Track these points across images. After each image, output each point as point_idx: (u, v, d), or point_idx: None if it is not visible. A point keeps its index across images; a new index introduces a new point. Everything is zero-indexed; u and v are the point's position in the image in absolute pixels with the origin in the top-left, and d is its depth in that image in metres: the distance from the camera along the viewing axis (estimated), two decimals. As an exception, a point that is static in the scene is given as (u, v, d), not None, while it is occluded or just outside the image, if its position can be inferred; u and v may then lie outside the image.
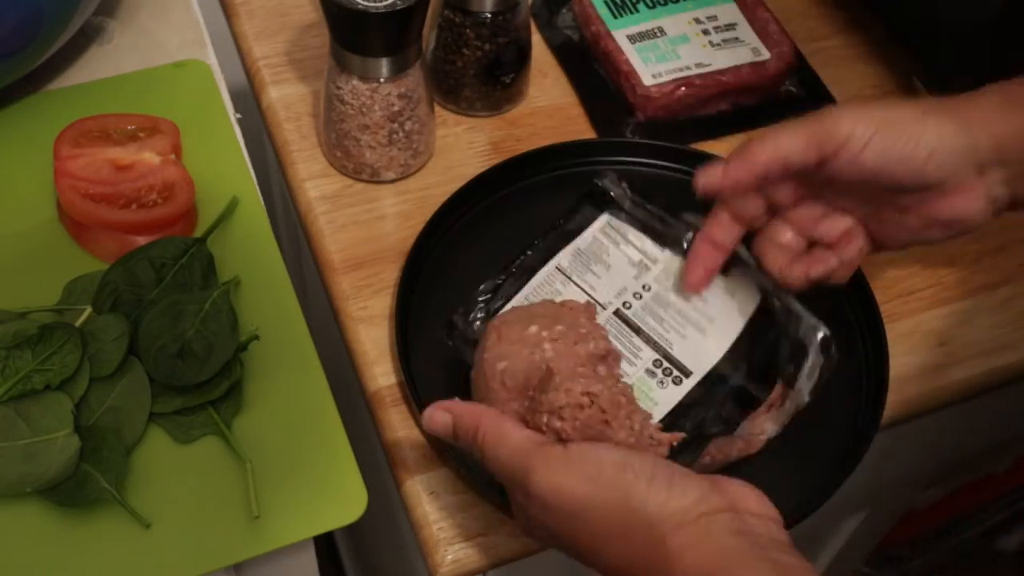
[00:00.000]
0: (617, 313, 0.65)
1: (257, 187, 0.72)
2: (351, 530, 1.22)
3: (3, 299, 0.64)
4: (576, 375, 0.50)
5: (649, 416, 0.51)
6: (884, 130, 0.55)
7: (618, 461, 0.45)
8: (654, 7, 0.80)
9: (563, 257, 0.67)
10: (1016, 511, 1.35)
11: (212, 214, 0.69)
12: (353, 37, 0.66)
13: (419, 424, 0.62)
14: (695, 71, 0.77)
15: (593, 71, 0.80)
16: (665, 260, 0.67)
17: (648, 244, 0.67)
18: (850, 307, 0.68)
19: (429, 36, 0.74)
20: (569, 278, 0.66)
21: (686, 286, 0.64)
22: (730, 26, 0.80)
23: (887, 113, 0.56)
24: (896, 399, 0.66)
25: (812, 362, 0.60)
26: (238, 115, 0.76)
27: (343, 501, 0.59)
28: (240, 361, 0.62)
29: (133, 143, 0.70)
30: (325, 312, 0.73)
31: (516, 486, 0.48)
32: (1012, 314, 0.71)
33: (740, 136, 0.78)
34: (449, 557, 0.59)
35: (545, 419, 0.49)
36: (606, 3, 0.80)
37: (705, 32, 0.80)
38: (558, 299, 0.62)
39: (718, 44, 0.79)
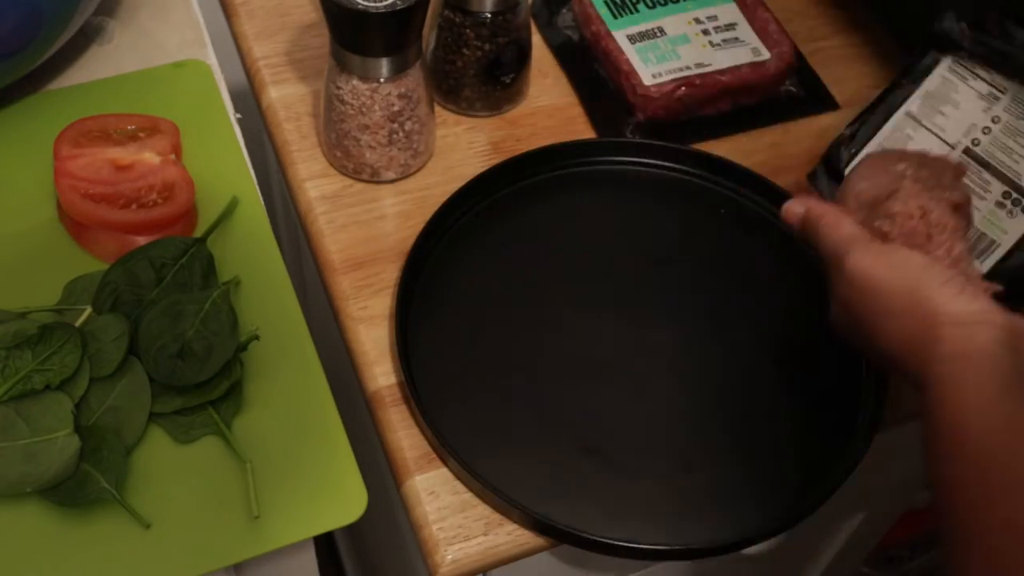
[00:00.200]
0: (967, 151, 0.67)
1: (257, 187, 0.72)
2: (351, 530, 1.22)
3: (3, 299, 0.64)
4: (921, 195, 0.58)
5: (971, 257, 0.58)
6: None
7: (924, 262, 0.53)
8: (654, 7, 0.80)
9: (912, 103, 0.70)
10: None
11: (212, 214, 0.69)
12: (353, 37, 0.66)
13: (419, 424, 0.63)
14: (695, 71, 0.77)
15: (593, 71, 0.80)
16: (1014, 88, 0.68)
17: (995, 76, 0.68)
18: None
19: (429, 36, 0.74)
20: (919, 122, 0.69)
21: None
22: (730, 26, 0.80)
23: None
24: (896, 399, 0.66)
25: None
26: (238, 115, 0.76)
27: (343, 501, 0.59)
28: (240, 361, 0.62)
29: (133, 143, 0.70)
30: (325, 312, 0.73)
31: (835, 266, 0.56)
32: (1012, 314, 0.71)
33: (740, 136, 0.78)
34: (449, 557, 0.59)
35: (877, 222, 0.58)
36: (606, 3, 0.80)
37: (705, 32, 0.80)
38: (909, 144, 0.69)
39: (718, 44, 0.79)
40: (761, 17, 0.81)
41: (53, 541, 0.57)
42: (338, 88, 0.69)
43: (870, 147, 0.71)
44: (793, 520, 0.60)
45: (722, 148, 0.77)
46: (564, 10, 0.83)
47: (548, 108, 0.79)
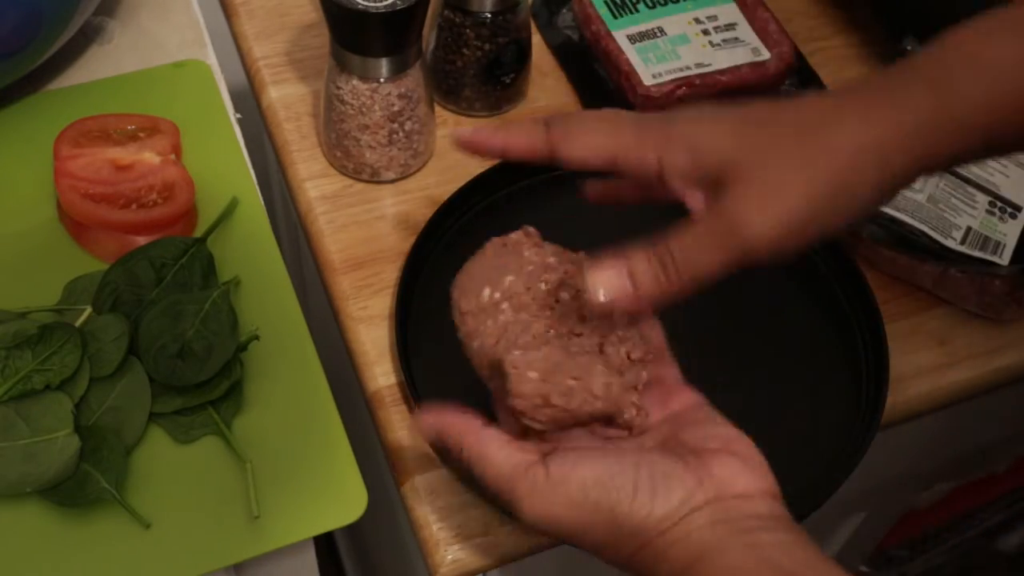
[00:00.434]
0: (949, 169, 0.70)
1: (257, 187, 0.72)
2: (351, 530, 1.22)
3: (3, 299, 0.64)
4: (530, 365, 0.48)
5: (602, 355, 0.50)
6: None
7: (600, 480, 0.46)
8: (654, 7, 0.80)
9: None
10: (1016, 511, 1.35)
11: (212, 214, 0.69)
12: (353, 37, 0.66)
13: (419, 424, 0.63)
14: (695, 71, 0.77)
15: (593, 71, 0.80)
16: None
17: None
18: (850, 307, 0.68)
19: (429, 36, 0.74)
20: None
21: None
22: (730, 26, 0.80)
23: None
24: (896, 399, 0.66)
25: None
26: (238, 115, 0.76)
27: (343, 501, 0.59)
28: (240, 361, 0.62)
29: (133, 143, 0.70)
30: (325, 312, 0.73)
31: (505, 505, 0.48)
32: (1012, 314, 0.71)
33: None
34: (449, 557, 0.59)
35: (515, 419, 0.49)
36: (606, 3, 0.80)
37: (705, 32, 0.80)
38: None
39: (718, 44, 0.79)
40: (761, 17, 0.81)
41: (53, 541, 0.57)
42: (338, 88, 0.69)
43: None
44: (793, 520, 0.60)
45: (722, 148, 0.77)
46: (564, 10, 0.83)
47: (548, 108, 0.79)
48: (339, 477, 0.60)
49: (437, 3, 0.72)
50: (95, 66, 0.77)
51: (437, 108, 0.77)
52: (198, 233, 0.68)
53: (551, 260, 0.53)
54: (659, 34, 0.79)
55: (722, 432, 0.48)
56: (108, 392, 0.60)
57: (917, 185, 0.69)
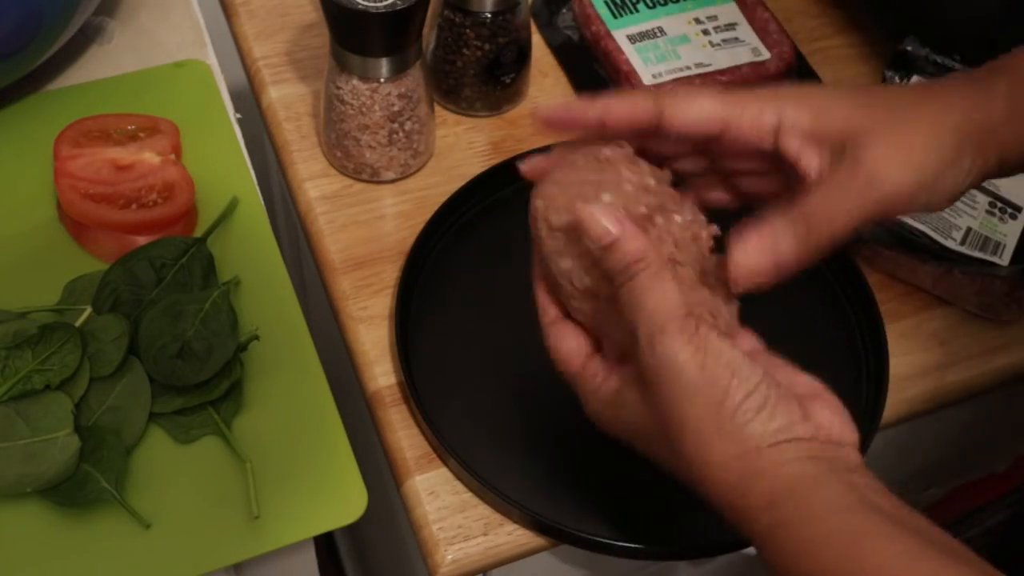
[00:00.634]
0: None
1: (257, 187, 0.72)
2: (351, 530, 1.22)
3: (3, 299, 0.64)
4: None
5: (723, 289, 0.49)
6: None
7: (734, 361, 0.45)
8: (654, 7, 0.80)
9: None
10: (1016, 511, 1.35)
11: (212, 214, 0.69)
12: (353, 37, 0.66)
13: (419, 424, 0.63)
14: (695, 71, 0.77)
15: (593, 71, 0.80)
16: None
17: None
18: (850, 307, 0.68)
19: (429, 36, 0.74)
20: None
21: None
22: (730, 26, 0.80)
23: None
24: (896, 399, 0.66)
25: None
26: (238, 115, 0.76)
27: (343, 501, 0.59)
28: (240, 361, 0.62)
29: (133, 143, 0.70)
30: (325, 312, 0.73)
31: (630, 341, 0.47)
32: (1012, 314, 0.71)
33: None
34: (449, 557, 0.59)
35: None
36: (606, 3, 0.80)
37: (705, 32, 0.80)
38: None
39: (718, 44, 0.79)
40: (761, 17, 0.81)
41: (53, 541, 0.57)
42: (338, 88, 0.69)
43: None
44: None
45: (722, 148, 0.77)
46: (564, 10, 0.83)
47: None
48: (339, 477, 0.60)
49: (437, 3, 0.72)
50: (95, 66, 0.77)
51: (437, 108, 0.77)
52: (198, 233, 0.68)
53: (650, 182, 0.51)
54: (659, 34, 0.79)
55: (805, 380, 0.49)
56: (108, 392, 0.60)
57: None
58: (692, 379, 0.45)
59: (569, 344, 0.52)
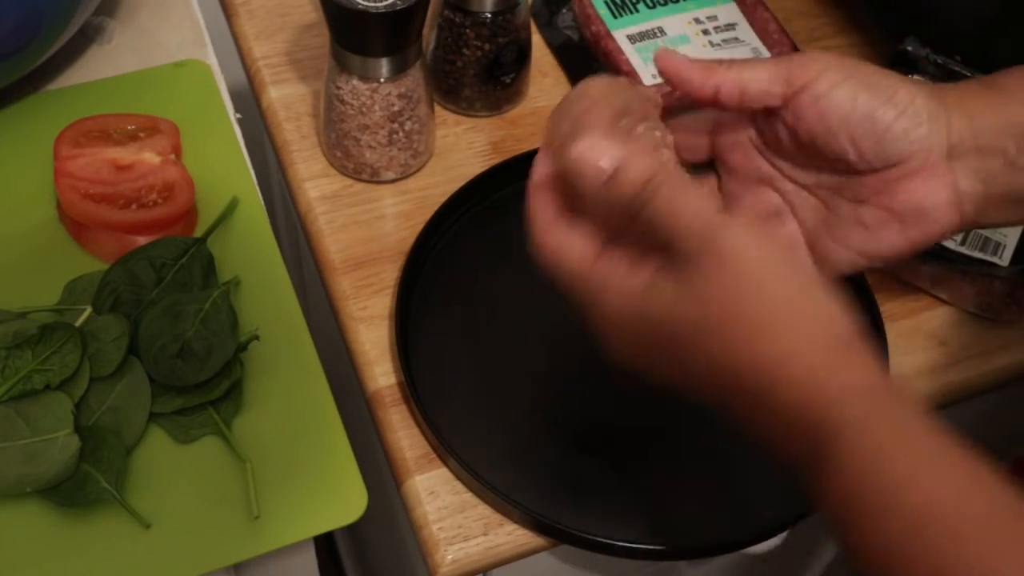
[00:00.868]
0: None
1: (257, 187, 0.72)
2: (351, 530, 1.22)
3: (3, 299, 0.64)
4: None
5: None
6: (856, 77, 0.50)
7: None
8: (654, 7, 0.80)
9: None
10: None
11: (212, 214, 0.69)
12: (353, 37, 0.66)
13: (419, 424, 0.63)
14: (695, 71, 0.77)
15: (593, 71, 0.80)
16: None
17: None
18: (850, 307, 0.68)
19: (429, 36, 0.74)
20: None
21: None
22: (730, 26, 0.80)
23: (862, 65, 0.51)
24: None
25: None
26: (238, 115, 0.76)
27: (343, 501, 0.59)
28: (240, 361, 0.62)
29: (133, 143, 0.70)
30: (325, 312, 0.73)
31: (678, 253, 0.44)
32: (1012, 314, 0.71)
33: (740, 136, 0.78)
34: (449, 557, 0.59)
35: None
36: (606, 3, 0.80)
37: (705, 32, 0.80)
38: None
39: (718, 44, 0.79)
40: (761, 17, 0.81)
41: (53, 541, 0.57)
42: (338, 88, 0.69)
43: None
44: (794, 519, 0.60)
45: (722, 148, 0.77)
46: (564, 10, 0.83)
47: (548, 108, 0.79)
48: (339, 477, 0.60)
49: (437, 3, 0.72)
50: (95, 66, 0.77)
51: (437, 108, 0.77)
52: (198, 233, 0.68)
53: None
54: (659, 34, 0.79)
55: None
56: (108, 392, 0.60)
57: None
58: (774, 267, 0.43)
59: (575, 240, 0.48)
